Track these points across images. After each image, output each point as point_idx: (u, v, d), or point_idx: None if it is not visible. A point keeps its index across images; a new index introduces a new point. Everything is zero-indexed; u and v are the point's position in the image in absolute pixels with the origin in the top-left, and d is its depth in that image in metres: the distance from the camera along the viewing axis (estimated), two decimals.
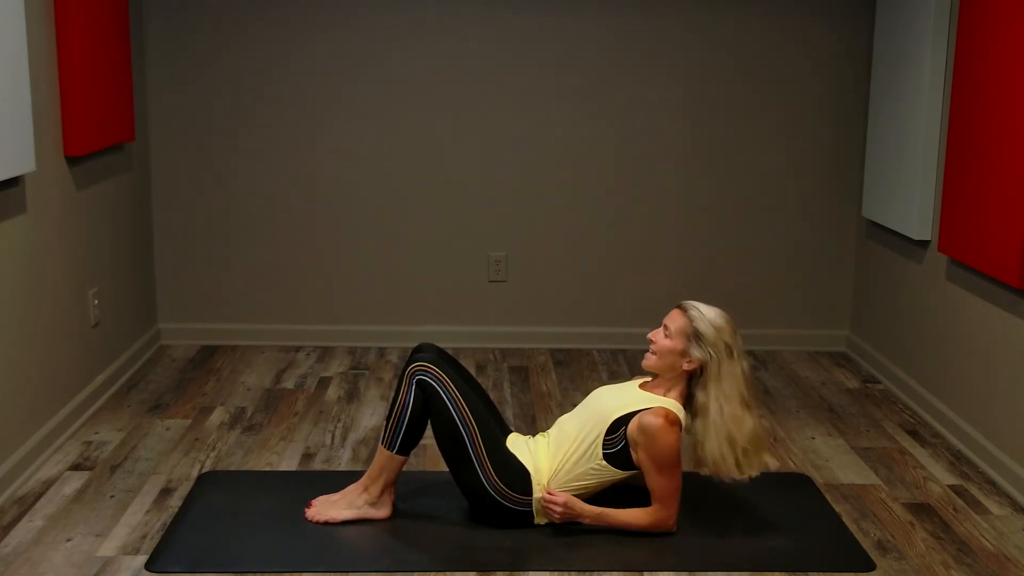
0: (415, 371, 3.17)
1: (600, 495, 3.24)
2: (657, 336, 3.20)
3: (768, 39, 4.94)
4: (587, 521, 3.16)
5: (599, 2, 4.89)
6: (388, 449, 3.20)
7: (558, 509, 3.14)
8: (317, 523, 3.22)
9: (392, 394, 3.26)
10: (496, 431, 3.24)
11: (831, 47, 4.94)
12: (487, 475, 3.15)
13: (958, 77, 3.98)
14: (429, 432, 4.06)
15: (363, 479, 3.27)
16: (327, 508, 3.25)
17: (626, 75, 4.95)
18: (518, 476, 3.18)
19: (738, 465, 3.12)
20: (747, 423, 3.11)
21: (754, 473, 3.17)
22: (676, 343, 3.17)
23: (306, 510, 3.26)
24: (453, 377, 3.19)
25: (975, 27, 3.85)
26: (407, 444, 3.20)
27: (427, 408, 3.18)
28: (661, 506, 3.13)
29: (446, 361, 3.25)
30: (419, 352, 3.25)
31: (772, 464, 3.31)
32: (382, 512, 3.25)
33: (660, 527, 3.15)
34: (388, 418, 3.22)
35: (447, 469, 3.68)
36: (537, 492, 3.19)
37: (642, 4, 4.90)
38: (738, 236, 5.09)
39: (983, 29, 3.79)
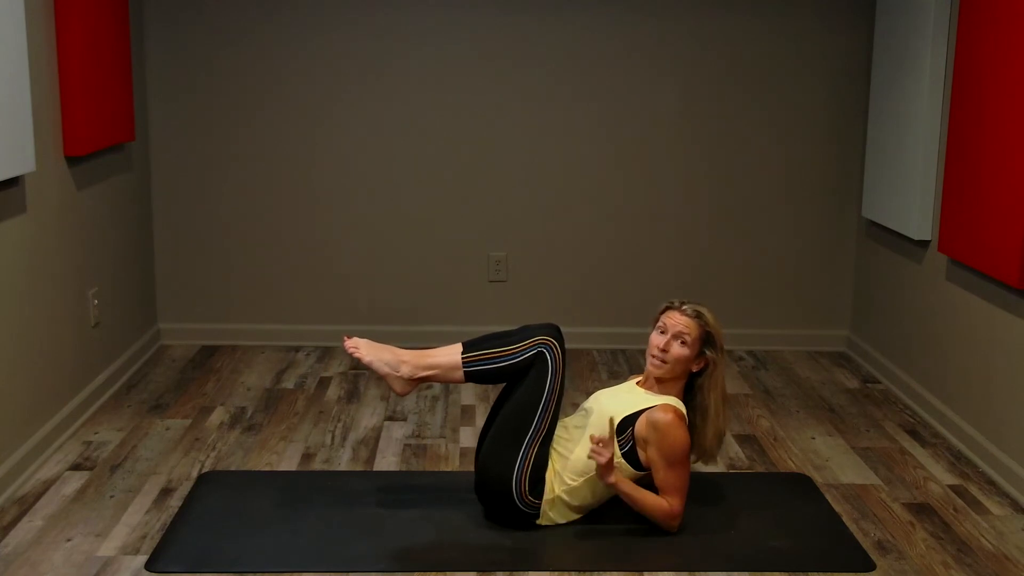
0: (546, 343, 3.14)
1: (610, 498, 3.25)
2: (671, 346, 3.19)
3: (768, 39, 4.94)
4: (611, 479, 3.06)
5: (599, 4, 4.89)
6: (464, 366, 3.16)
7: (600, 454, 3.03)
8: (347, 349, 3.21)
9: (506, 331, 3.22)
10: (551, 439, 3.22)
11: (831, 47, 4.94)
12: (521, 471, 3.13)
13: (958, 77, 3.98)
14: (429, 432, 4.06)
15: (416, 355, 3.21)
16: (368, 348, 3.23)
17: (626, 76, 4.95)
18: (540, 481, 3.18)
19: (717, 450, 3.31)
20: (726, 415, 3.28)
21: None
22: (693, 351, 3.19)
23: (347, 337, 3.26)
24: (563, 373, 3.18)
25: (975, 27, 3.85)
26: (478, 379, 3.18)
27: (518, 375, 3.14)
28: (672, 499, 3.14)
29: (564, 355, 3.21)
30: (557, 332, 3.20)
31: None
32: (403, 388, 3.22)
33: (668, 520, 3.15)
34: (487, 345, 3.17)
35: (447, 469, 3.69)
36: (548, 495, 3.19)
37: (642, 5, 4.89)
38: (738, 236, 5.10)
39: (983, 29, 3.79)
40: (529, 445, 3.14)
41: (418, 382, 3.23)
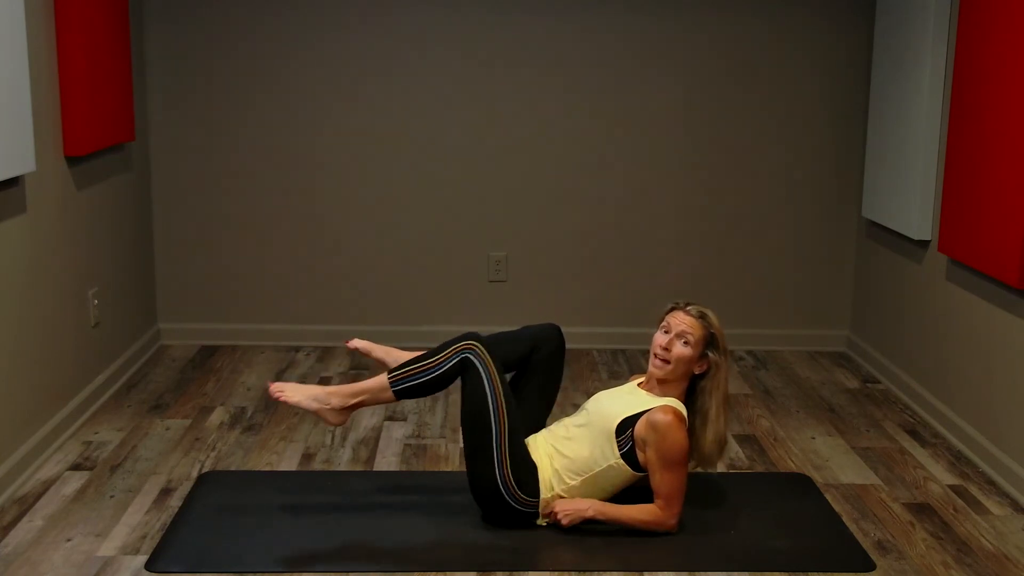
0: (467, 348, 3.15)
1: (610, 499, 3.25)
2: (673, 345, 3.20)
3: (768, 39, 4.94)
4: (590, 514, 3.16)
5: (600, 4, 4.89)
6: (391, 385, 3.17)
7: (566, 516, 3.16)
8: (272, 395, 3.17)
9: (429, 349, 3.23)
10: (521, 431, 3.23)
11: (831, 47, 4.94)
12: (503, 470, 3.14)
13: (958, 77, 3.98)
14: (429, 432, 4.06)
15: (344, 386, 3.23)
16: (293, 390, 3.21)
17: (626, 75, 4.95)
18: (530, 476, 3.18)
19: (718, 456, 3.30)
20: (726, 419, 3.27)
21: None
22: (695, 352, 3.19)
23: (271, 384, 3.23)
24: (498, 367, 3.18)
25: (975, 27, 3.85)
26: (408, 395, 3.19)
27: (448, 382, 3.16)
28: (666, 504, 3.14)
29: (494, 354, 3.22)
30: (474, 336, 3.21)
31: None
32: (337, 419, 3.22)
33: (662, 526, 3.15)
34: (413, 363, 3.18)
35: (447, 469, 3.69)
36: (544, 494, 3.19)
37: (642, 5, 4.89)
38: (738, 236, 5.10)
39: (983, 29, 3.79)
40: (498, 446, 3.14)
41: (350, 410, 3.23)
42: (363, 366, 4.78)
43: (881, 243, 4.78)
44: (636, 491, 3.22)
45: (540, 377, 3.40)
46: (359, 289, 5.10)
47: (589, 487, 3.19)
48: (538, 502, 3.19)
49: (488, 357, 3.16)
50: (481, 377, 3.14)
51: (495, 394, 3.14)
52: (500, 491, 3.15)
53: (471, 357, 3.15)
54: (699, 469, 3.40)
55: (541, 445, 3.28)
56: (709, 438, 3.22)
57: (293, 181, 5.01)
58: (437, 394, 4.39)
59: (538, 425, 3.39)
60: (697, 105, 4.98)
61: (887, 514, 3.39)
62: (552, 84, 4.96)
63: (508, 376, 3.48)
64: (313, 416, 3.32)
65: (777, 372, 4.83)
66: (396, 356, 3.42)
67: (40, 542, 3.10)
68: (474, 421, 3.16)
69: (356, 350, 3.48)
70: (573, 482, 3.19)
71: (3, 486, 3.37)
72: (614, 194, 5.04)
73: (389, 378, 3.18)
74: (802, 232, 5.11)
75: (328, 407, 3.20)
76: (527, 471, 3.18)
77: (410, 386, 3.17)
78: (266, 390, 3.23)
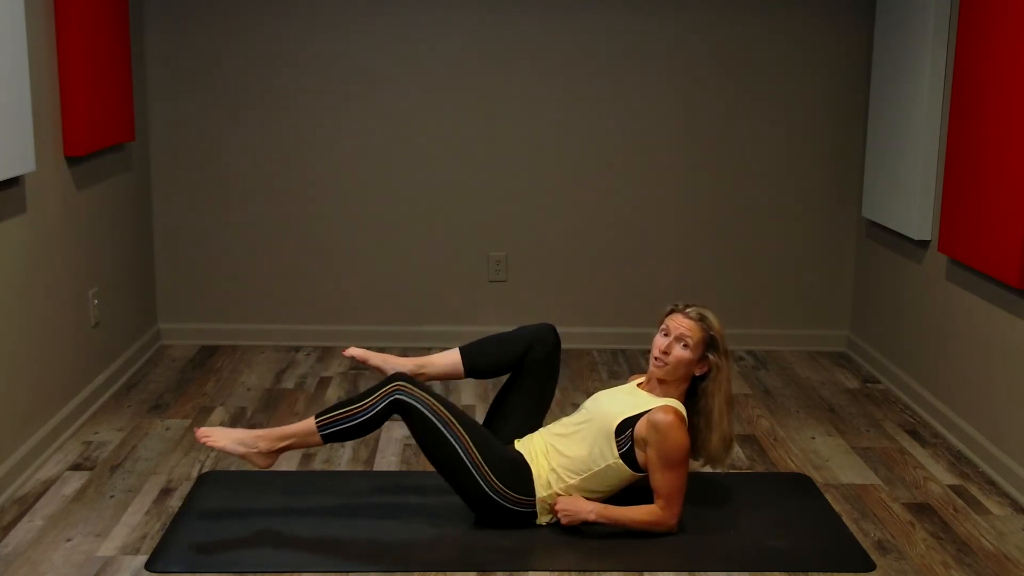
0: (395, 390, 3.12)
1: (609, 499, 3.25)
2: (672, 348, 3.19)
3: (768, 39, 4.94)
4: (591, 517, 3.16)
5: (599, 4, 4.89)
6: (318, 429, 3.15)
7: (566, 516, 3.16)
8: (199, 439, 3.16)
9: (356, 392, 3.22)
10: (487, 435, 3.22)
11: (831, 47, 4.95)
12: (487, 479, 3.14)
13: (958, 77, 3.98)
14: None
15: (271, 430, 3.21)
16: (220, 435, 3.19)
17: (626, 76, 4.95)
18: (520, 476, 3.18)
19: (726, 456, 3.29)
20: (731, 418, 3.27)
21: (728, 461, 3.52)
22: (695, 354, 3.19)
23: (197, 429, 3.22)
24: (432, 393, 3.17)
25: (975, 27, 3.85)
26: (336, 439, 3.18)
27: (377, 425, 3.14)
28: (666, 504, 3.14)
29: (422, 385, 3.21)
30: (399, 376, 3.19)
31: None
32: (264, 463, 3.20)
33: (662, 526, 3.15)
34: (341, 406, 3.15)
35: None
36: (541, 492, 3.19)
37: (642, 5, 4.90)
38: (738, 236, 5.10)
39: (983, 29, 3.79)
40: (471, 460, 3.14)
41: (278, 453, 3.21)
42: (363, 366, 4.76)
43: (881, 243, 4.78)
44: (636, 491, 3.22)
45: (536, 377, 3.40)
46: (359, 289, 5.10)
47: (587, 486, 3.19)
48: (534, 500, 3.19)
49: (418, 390, 3.15)
50: (420, 410, 3.13)
51: (440, 417, 3.13)
52: (492, 498, 3.15)
53: (402, 397, 3.12)
54: (707, 468, 3.40)
55: (537, 443, 3.28)
56: (714, 439, 3.22)
57: (293, 181, 5.01)
58: (438, 393, 4.41)
59: (535, 425, 3.39)
60: (697, 105, 4.98)
61: (887, 514, 3.40)
62: (552, 84, 4.96)
63: (504, 377, 3.48)
64: (240, 459, 3.31)
65: (777, 372, 4.83)
66: (393, 363, 3.39)
67: (40, 542, 3.11)
68: (436, 449, 3.16)
69: (353, 358, 3.45)
70: (571, 481, 3.19)
71: (3, 486, 3.37)
72: (614, 194, 5.04)
73: (316, 422, 3.15)
74: (802, 232, 5.11)
75: (255, 451, 3.17)
76: (514, 472, 3.18)
77: (338, 430, 3.15)
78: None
